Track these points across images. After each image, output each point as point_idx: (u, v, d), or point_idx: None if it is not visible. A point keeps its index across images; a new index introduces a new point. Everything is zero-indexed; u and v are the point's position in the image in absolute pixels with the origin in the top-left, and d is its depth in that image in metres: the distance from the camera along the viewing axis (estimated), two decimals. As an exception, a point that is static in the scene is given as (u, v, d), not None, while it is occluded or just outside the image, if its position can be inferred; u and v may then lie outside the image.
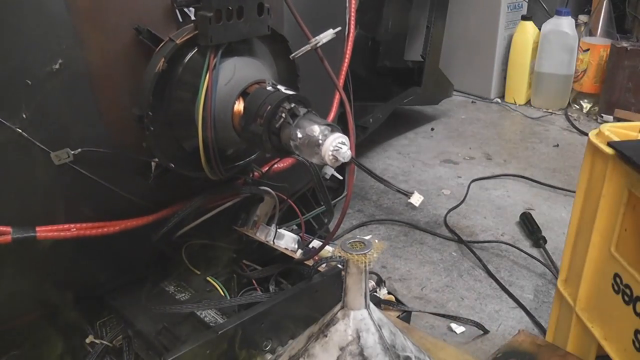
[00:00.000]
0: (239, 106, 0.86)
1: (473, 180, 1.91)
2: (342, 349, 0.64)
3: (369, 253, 0.64)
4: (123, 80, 0.84)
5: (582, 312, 1.03)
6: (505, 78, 2.62)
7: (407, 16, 2.23)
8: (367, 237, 0.67)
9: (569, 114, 2.48)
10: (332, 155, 0.77)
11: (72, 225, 0.85)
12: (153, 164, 0.89)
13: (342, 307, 0.68)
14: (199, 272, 1.05)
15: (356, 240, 0.67)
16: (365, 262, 0.63)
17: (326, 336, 0.66)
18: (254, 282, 1.05)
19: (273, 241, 1.07)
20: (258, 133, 0.82)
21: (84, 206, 0.87)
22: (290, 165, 1.12)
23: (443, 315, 1.31)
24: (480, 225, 1.68)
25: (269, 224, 1.09)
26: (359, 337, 0.65)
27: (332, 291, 1.01)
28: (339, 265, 1.07)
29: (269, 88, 0.85)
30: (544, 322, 1.27)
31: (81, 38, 0.79)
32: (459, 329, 1.28)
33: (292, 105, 0.82)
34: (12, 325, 0.96)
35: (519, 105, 2.59)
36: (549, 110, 2.53)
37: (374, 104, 1.98)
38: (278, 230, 1.08)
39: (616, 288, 0.94)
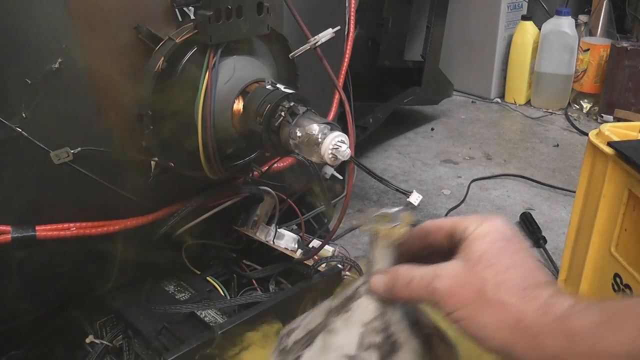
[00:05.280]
0: (239, 105, 0.86)
1: (473, 180, 1.91)
2: (365, 324, 0.59)
3: (398, 226, 0.59)
4: (123, 80, 0.84)
5: (582, 311, 1.03)
6: (505, 78, 2.62)
7: (407, 16, 2.23)
8: (396, 209, 0.62)
9: (569, 114, 2.48)
10: (332, 153, 0.77)
11: (72, 225, 0.85)
12: (152, 163, 0.89)
13: (366, 282, 0.62)
14: (199, 272, 1.05)
15: (384, 211, 0.62)
16: (393, 236, 0.59)
17: (348, 311, 0.60)
18: (254, 282, 1.05)
19: (273, 241, 1.07)
20: (257, 132, 0.82)
21: (83, 205, 0.87)
22: (290, 164, 1.12)
23: (443, 315, 1.31)
24: (480, 225, 1.68)
25: (269, 223, 1.09)
26: (383, 313, 0.59)
27: (332, 291, 1.01)
28: (339, 265, 1.07)
29: (269, 87, 0.85)
30: (544, 322, 1.27)
31: (81, 38, 0.79)
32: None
33: (292, 103, 0.82)
34: (13, 325, 0.96)
35: (519, 105, 2.59)
36: (549, 110, 2.53)
37: (374, 104, 1.98)
38: (278, 230, 1.08)
39: (616, 288, 0.94)
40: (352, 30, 1.17)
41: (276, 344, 0.65)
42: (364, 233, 0.62)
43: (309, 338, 0.61)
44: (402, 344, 0.57)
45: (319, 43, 0.91)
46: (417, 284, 0.51)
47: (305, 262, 1.04)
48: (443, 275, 0.49)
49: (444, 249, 0.54)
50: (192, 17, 0.86)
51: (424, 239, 0.57)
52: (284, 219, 1.16)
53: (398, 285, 0.53)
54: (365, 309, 0.60)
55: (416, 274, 0.51)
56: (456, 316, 0.48)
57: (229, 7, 0.83)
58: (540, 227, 1.62)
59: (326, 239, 1.00)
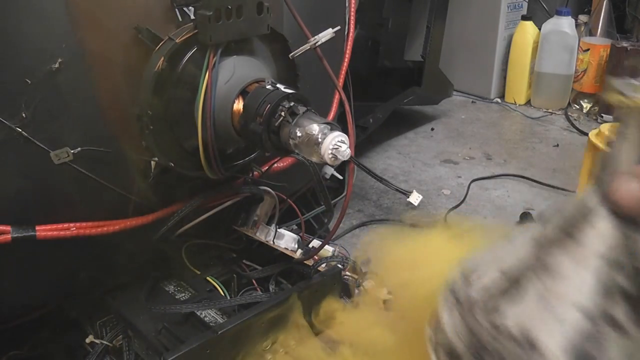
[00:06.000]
0: (239, 105, 0.86)
1: (473, 180, 1.91)
2: (604, 257, 0.40)
3: None
4: (123, 80, 0.84)
5: (583, 311, 1.03)
6: (505, 78, 2.62)
7: (407, 16, 2.23)
8: None
9: (569, 114, 2.48)
10: (332, 153, 0.77)
11: (72, 225, 0.85)
12: (152, 163, 0.89)
13: (602, 193, 0.42)
14: (199, 272, 1.05)
15: (633, 81, 0.43)
16: None
17: (576, 239, 0.41)
18: (254, 282, 1.05)
19: (273, 241, 1.07)
20: (257, 132, 0.82)
21: (83, 205, 0.87)
22: (290, 164, 1.12)
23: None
24: (480, 225, 1.68)
25: (269, 223, 1.09)
26: (629, 237, 0.39)
27: (332, 291, 1.01)
28: (339, 265, 1.07)
29: (269, 87, 0.85)
30: (544, 322, 1.27)
31: (81, 38, 0.79)
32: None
33: (292, 103, 0.82)
34: (13, 325, 0.96)
35: (519, 105, 2.59)
36: (549, 110, 2.53)
37: (374, 104, 1.97)
38: (278, 230, 1.08)
39: (616, 287, 0.94)
40: (352, 30, 1.17)
41: (443, 294, 0.46)
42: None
43: (512, 283, 0.43)
44: None
45: (319, 43, 0.91)
46: None
47: (305, 262, 1.04)
48: None
49: None
50: (192, 17, 0.86)
51: None
52: (284, 219, 1.16)
53: None
54: (602, 234, 0.40)
55: None
56: None
57: (229, 7, 0.83)
58: (540, 227, 1.62)
59: (326, 239, 1.00)
